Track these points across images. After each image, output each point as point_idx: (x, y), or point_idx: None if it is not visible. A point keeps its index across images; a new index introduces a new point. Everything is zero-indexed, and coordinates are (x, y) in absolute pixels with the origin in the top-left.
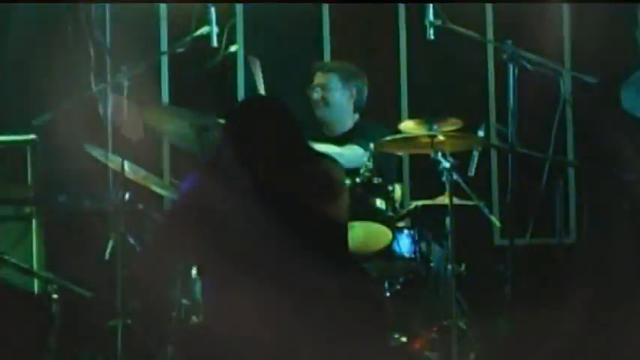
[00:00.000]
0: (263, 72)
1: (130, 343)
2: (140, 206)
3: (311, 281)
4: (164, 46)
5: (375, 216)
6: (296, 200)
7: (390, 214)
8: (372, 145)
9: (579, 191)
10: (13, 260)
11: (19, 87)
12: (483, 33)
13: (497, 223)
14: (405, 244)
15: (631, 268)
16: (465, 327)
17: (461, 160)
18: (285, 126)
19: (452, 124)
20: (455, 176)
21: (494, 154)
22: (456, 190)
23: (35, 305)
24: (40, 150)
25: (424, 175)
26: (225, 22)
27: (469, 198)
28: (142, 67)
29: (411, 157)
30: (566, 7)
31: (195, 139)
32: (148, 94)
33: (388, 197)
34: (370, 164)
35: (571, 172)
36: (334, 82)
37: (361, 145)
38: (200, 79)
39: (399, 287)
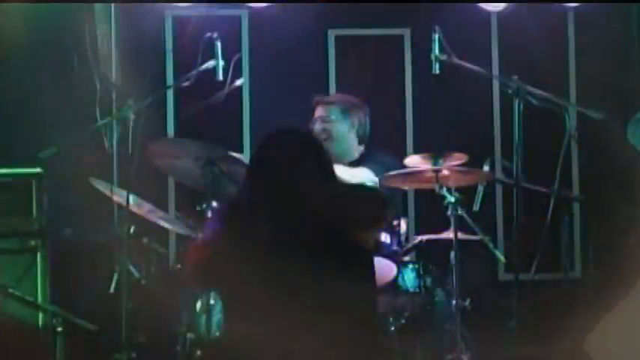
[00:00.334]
0: (268, 106)
1: None
2: (145, 240)
3: (345, 315)
4: (170, 79)
5: (381, 250)
6: (331, 234)
7: (395, 248)
8: (378, 179)
9: (584, 226)
10: (18, 293)
11: (25, 120)
12: (489, 68)
13: (502, 258)
14: (409, 279)
15: (636, 301)
16: None
17: (466, 194)
18: (318, 160)
19: (457, 159)
20: (460, 211)
21: (499, 188)
22: (461, 225)
23: (39, 339)
24: (46, 183)
25: (429, 209)
26: (231, 56)
27: (474, 233)
28: (147, 101)
29: (417, 191)
30: (571, 43)
31: (201, 173)
32: (154, 127)
33: (393, 231)
34: None
35: (576, 207)
36: (335, 113)
37: (372, 169)
38: (205, 113)
39: (403, 322)
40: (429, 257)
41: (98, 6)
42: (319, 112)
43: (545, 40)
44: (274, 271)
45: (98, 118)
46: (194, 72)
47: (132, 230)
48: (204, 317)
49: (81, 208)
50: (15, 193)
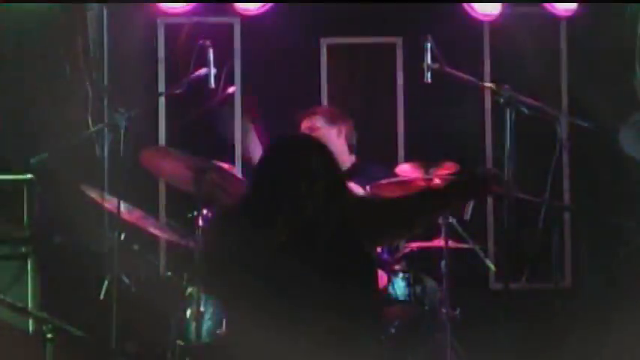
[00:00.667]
0: (259, 114)
1: None
2: (135, 246)
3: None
4: (162, 86)
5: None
6: (341, 242)
7: (386, 256)
8: (367, 188)
9: (575, 236)
10: (8, 299)
11: (17, 126)
12: (480, 77)
13: (493, 267)
14: (400, 287)
15: (627, 312)
16: None
17: None
18: (326, 164)
19: (448, 168)
20: (450, 219)
21: (490, 197)
22: (452, 234)
23: (29, 345)
24: (37, 189)
25: None
26: (224, 64)
27: (465, 241)
28: (139, 108)
29: None
30: (563, 51)
31: (193, 181)
32: (146, 134)
33: None
34: None
35: (567, 216)
36: (320, 121)
37: (363, 183)
38: (197, 120)
39: (393, 331)
40: (419, 266)
41: (91, 13)
42: (305, 124)
43: (537, 49)
44: (282, 278)
45: (90, 124)
46: (186, 80)
47: (122, 237)
48: (194, 324)
49: (72, 215)
50: (6, 200)
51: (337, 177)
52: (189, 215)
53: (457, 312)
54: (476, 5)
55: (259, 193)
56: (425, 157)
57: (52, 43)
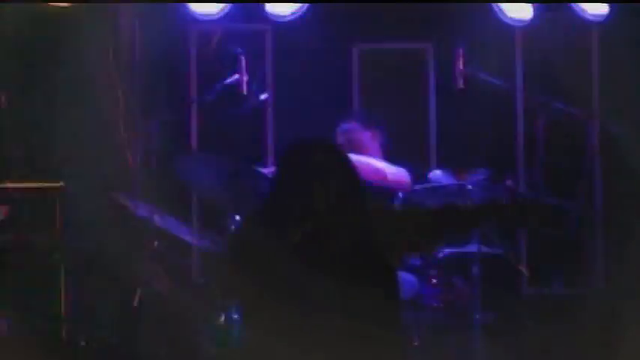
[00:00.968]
0: (291, 121)
1: None
2: (167, 254)
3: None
4: (194, 93)
5: (403, 265)
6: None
7: (417, 262)
8: (400, 194)
9: (607, 240)
10: (41, 307)
11: (49, 134)
12: (513, 82)
13: (525, 272)
14: (431, 293)
15: None
16: None
17: None
18: (340, 165)
19: (480, 174)
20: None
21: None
22: (485, 239)
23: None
24: (69, 197)
25: None
26: (255, 71)
27: (497, 246)
28: (171, 114)
29: None
30: (595, 57)
31: (225, 186)
32: (177, 141)
33: None
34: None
35: (599, 219)
36: (355, 124)
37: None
38: (229, 126)
39: (426, 336)
40: (452, 271)
41: (123, 20)
42: (341, 128)
43: (569, 55)
44: (300, 283)
45: (122, 131)
46: (218, 86)
47: (155, 244)
48: (226, 331)
49: (104, 223)
50: (38, 207)
51: (352, 179)
52: (222, 222)
53: (491, 317)
54: (507, 11)
55: (275, 195)
56: (457, 163)
57: (84, 50)
